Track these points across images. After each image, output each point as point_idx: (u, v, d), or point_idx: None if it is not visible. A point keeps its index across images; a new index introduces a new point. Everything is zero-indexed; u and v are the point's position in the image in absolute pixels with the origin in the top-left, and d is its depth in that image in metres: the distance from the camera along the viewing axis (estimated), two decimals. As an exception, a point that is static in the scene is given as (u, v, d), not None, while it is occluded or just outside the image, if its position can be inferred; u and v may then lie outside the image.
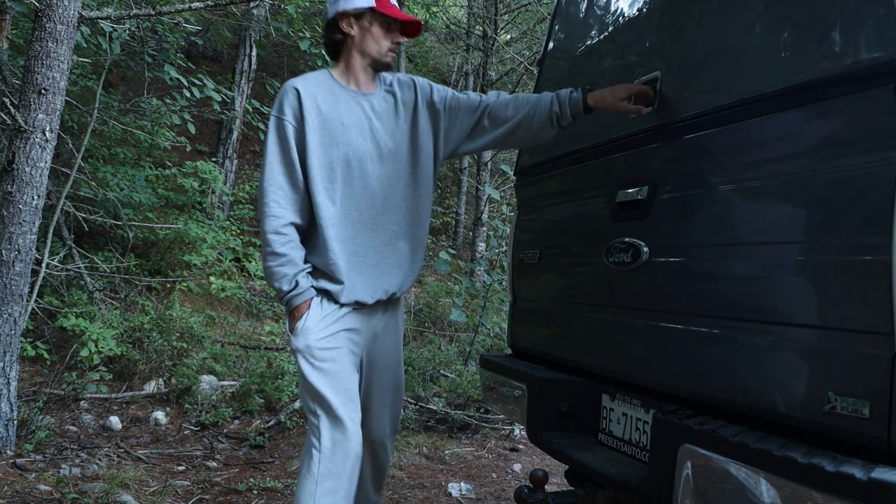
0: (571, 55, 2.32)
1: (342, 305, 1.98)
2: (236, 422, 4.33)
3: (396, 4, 2.02)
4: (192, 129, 6.01)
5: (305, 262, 1.96)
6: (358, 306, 2.00)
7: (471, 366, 5.43)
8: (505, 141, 2.12)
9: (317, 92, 1.97)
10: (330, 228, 1.95)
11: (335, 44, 2.02)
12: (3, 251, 3.40)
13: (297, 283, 1.92)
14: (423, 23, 2.07)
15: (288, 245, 1.92)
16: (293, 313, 1.94)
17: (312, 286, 1.95)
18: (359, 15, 1.96)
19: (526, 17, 9.52)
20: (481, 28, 8.51)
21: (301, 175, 1.95)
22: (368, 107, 2.02)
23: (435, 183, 2.17)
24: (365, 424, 2.04)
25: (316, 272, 1.97)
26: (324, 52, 5.86)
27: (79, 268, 5.18)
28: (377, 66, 2.03)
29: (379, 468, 2.21)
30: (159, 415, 4.23)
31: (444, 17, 10.06)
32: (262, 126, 6.92)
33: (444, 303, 7.51)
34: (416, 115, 2.08)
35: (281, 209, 1.92)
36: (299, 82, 1.97)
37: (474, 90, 10.76)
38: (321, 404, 1.92)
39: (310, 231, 1.99)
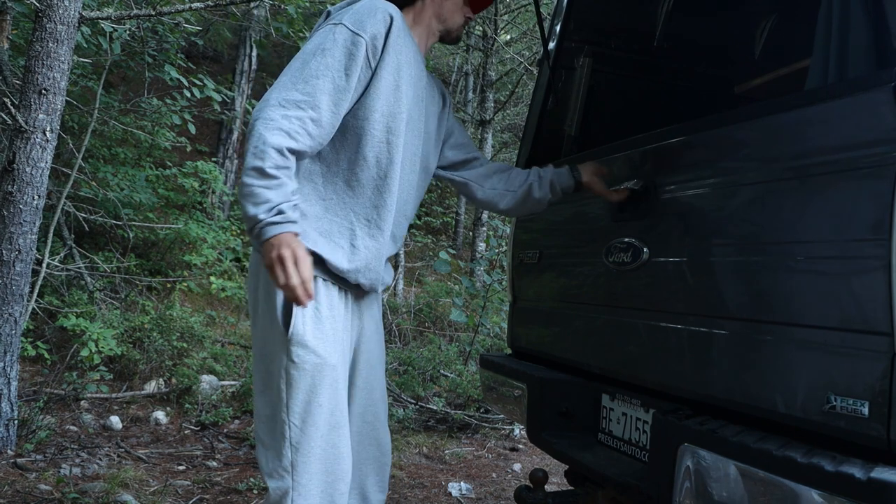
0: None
1: (348, 289, 1.63)
2: (236, 421, 4.33)
3: None
4: (192, 129, 6.02)
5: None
6: (361, 292, 1.68)
7: (471, 366, 5.43)
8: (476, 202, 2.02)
9: (402, 29, 1.63)
10: (375, 188, 1.62)
11: None
12: (4, 251, 3.40)
13: (279, 211, 1.43)
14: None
15: (284, 171, 1.45)
16: (270, 244, 1.42)
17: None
18: None
19: (526, 17, 9.52)
20: (481, 28, 8.51)
21: (342, 115, 1.55)
22: (425, 78, 1.75)
23: None
24: (372, 423, 1.78)
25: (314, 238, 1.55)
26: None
27: (79, 268, 5.19)
28: (446, 38, 1.79)
29: (384, 466, 1.83)
30: (160, 414, 4.23)
31: (445, 18, 10.04)
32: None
33: (444, 303, 7.52)
34: (443, 115, 1.88)
35: (304, 133, 1.47)
36: (390, 7, 1.60)
37: (474, 91, 10.78)
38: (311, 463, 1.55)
39: (317, 185, 1.58)
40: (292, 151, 1.46)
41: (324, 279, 1.59)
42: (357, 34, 1.53)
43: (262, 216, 1.42)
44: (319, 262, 1.56)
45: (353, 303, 1.70)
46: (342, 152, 1.60)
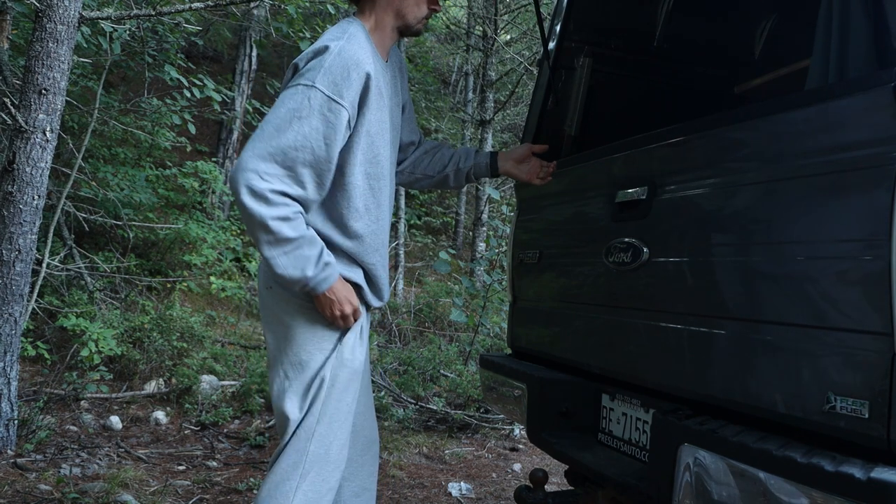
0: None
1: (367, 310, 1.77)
2: (236, 421, 4.33)
3: None
4: (192, 129, 6.01)
5: None
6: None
7: (471, 366, 5.43)
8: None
9: (376, 69, 1.59)
10: (371, 233, 1.69)
11: None
12: (4, 251, 3.40)
13: (326, 264, 1.55)
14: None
15: (302, 225, 1.52)
16: (329, 298, 1.57)
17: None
18: None
19: (526, 17, 9.52)
20: (481, 28, 8.51)
21: (328, 183, 1.57)
22: (389, 77, 1.73)
23: None
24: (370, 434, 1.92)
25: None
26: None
27: (79, 268, 5.19)
28: (406, 32, 1.72)
29: (375, 455, 1.97)
30: (160, 414, 4.24)
31: (444, 17, 10.05)
32: (262, 126, 6.92)
33: (444, 303, 7.52)
34: (403, 92, 1.86)
35: (288, 201, 1.51)
36: (363, 57, 1.53)
37: (474, 91, 10.78)
38: (330, 455, 1.65)
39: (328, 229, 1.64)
40: (295, 213, 1.51)
41: None
42: (335, 101, 1.49)
43: (310, 273, 1.52)
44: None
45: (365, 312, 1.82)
46: (334, 209, 1.63)
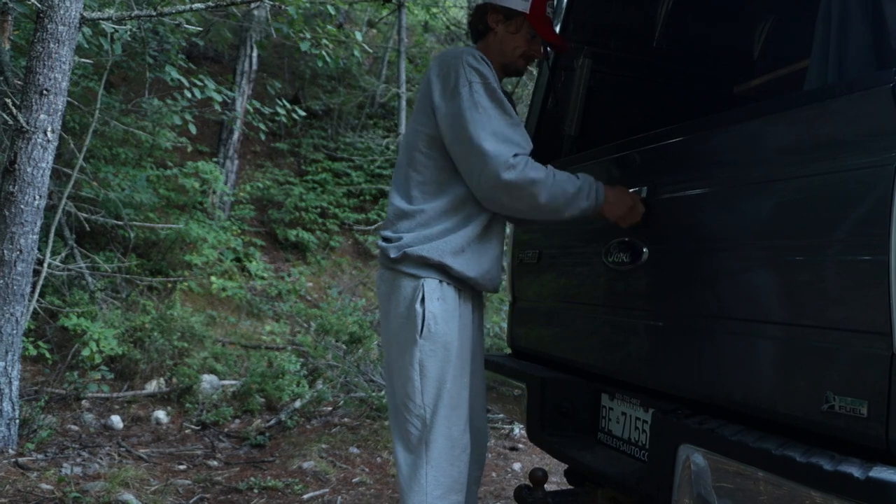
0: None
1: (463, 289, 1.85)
2: (237, 421, 4.34)
3: (551, 18, 1.93)
4: (193, 129, 6.01)
5: (449, 266, 1.76)
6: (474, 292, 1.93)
7: (471, 366, 5.42)
8: None
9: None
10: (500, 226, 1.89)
11: (478, 31, 1.93)
12: (6, 251, 3.40)
13: (589, 184, 1.73)
14: (567, 45, 1.99)
15: (554, 172, 1.71)
16: (610, 208, 1.74)
17: (459, 274, 1.77)
18: (509, 15, 1.85)
19: (526, 17, 9.49)
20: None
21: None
22: None
23: None
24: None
25: (456, 256, 1.77)
26: (324, 52, 5.88)
27: (80, 268, 5.19)
28: (508, 71, 1.93)
29: (483, 450, 2.06)
30: (160, 414, 4.24)
31: (444, 18, 10.06)
32: (262, 126, 6.93)
33: (445, 303, 7.51)
34: None
35: (526, 156, 1.71)
36: (482, 55, 1.81)
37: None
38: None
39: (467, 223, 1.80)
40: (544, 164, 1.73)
41: (447, 282, 1.78)
42: (488, 83, 1.75)
43: (591, 197, 1.72)
44: (443, 270, 1.76)
45: (467, 301, 1.86)
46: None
